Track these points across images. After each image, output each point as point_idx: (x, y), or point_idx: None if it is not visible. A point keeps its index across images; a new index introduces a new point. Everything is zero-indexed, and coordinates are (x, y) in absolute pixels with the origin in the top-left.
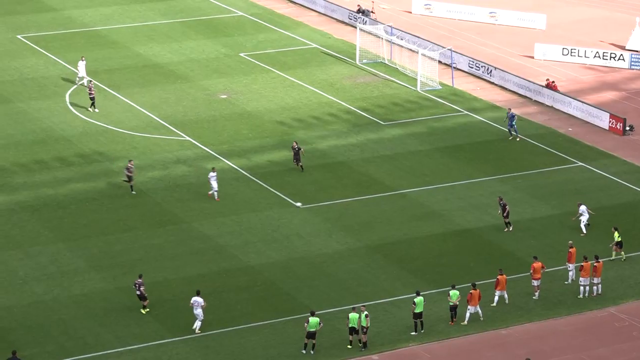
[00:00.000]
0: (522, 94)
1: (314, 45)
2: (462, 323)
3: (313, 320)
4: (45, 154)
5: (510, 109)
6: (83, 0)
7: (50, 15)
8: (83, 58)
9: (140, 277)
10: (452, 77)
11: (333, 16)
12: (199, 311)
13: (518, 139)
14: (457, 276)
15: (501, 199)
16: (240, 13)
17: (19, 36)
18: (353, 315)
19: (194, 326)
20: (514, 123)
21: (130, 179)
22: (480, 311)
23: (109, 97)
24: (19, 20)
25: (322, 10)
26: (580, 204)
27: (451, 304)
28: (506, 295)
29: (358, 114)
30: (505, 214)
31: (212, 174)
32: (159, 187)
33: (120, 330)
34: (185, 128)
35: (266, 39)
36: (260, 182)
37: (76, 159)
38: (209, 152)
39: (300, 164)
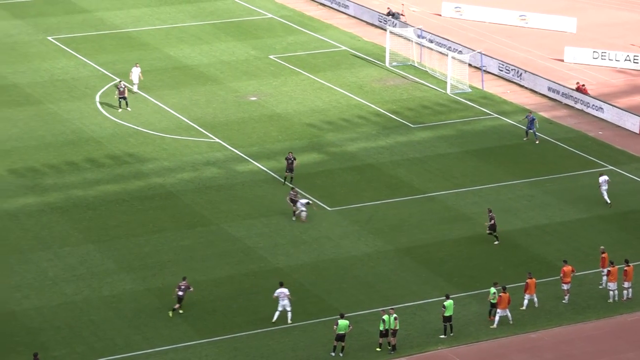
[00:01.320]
0: (552, 97)
1: (344, 48)
2: (491, 327)
3: (342, 322)
4: (75, 156)
5: (530, 113)
6: (114, 2)
7: (81, 16)
8: (137, 64)
9: (184, 279)
10: (482, 80)
11: (363, 19)
12: (285, 302)
13: (537, 142)
14: (486, 279)
15: (490, 211)
16: (270, 15)
17: (49, 38)
18: (387, 318)
19: (274, 318)
20: (533, 126)
21: (292, 170)
22: (509, 315)
23: (140, 98)
24: (50, 21)
25: (352, 13)
26: (602, 175)
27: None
28: (536, 299)
29: (387, 116)
30: (490, 225)
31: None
32: (189, 189)
33: (149, 332)
34: (215, 130)
35: (296, 41)
36: (290, 184)
37: (106, 160)
38: (238, 154)
39: (292, 174)
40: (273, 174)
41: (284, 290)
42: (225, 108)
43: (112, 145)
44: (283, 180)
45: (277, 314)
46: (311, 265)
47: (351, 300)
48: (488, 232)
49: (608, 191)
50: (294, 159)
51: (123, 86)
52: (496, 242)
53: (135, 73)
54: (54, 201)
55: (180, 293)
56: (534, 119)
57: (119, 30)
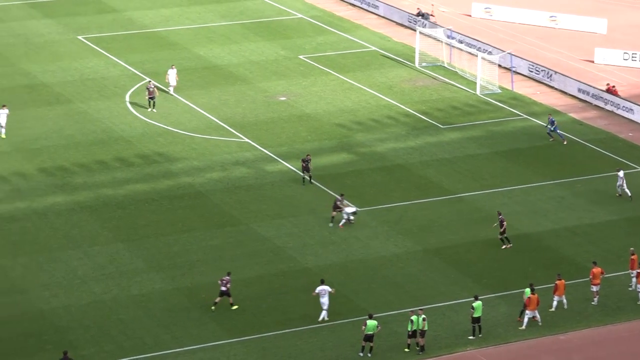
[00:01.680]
0: (582, 98)
1: (373, 48)
2: (520, 328)
3: (371, 323)
4: (105, 155)
5: (550, 115)
6: (144, 1)
7: (111, 16)
8: (173, 66)
9: (228, 274)
10: (512, 81)
11: (392, 19)
12: (325, 299)
13: (565, 142)
14: (515, 281)
15: (500, 214)
16: (300, 15)
17: (79, 37)
18: (415, 318)
19: (320, 317)
20: (554, 128)
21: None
22: (538, 316)
23: (169, 98)
24: (80, 21)
25: (381, 13)
26: (619, 170)
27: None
28: (565, 301)
29: (417, 117)
30: (502, 230)
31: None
32: (218, 189)
33: (178, 331)
34: (244, 130)
35: (325, 42)
36: (319, 184)
37: (136, 159)
38: (267, 154)
39: (310, 174)
40: (302, 174)
41: (325, 287)
42: (255, 108)
43: (142, 145)
44: (302, 181)
45: (323, 313)
46: (340, 265)
47: (380, 300)
48: (504, 236)
49: (628, 186)
50: (310, 160)
51: (152, 86)
52: (503, 247)
53: (172, 75)
54: (83, 200)
55: (223, 288)
56: (554, 121)
57: (148, 29)
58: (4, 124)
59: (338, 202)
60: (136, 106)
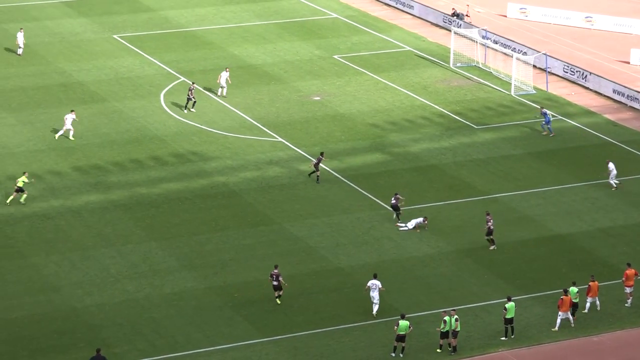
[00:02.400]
0: (617, 99)
1: (408, 48)
2: (552, 329)
3: (403, 323)
4: (139, 153)
5: (542, 107)
6: (179, 1)
7: (147, 15)
8: (227, 69)
9: (276, 267)
10: (547, 82)
11: (427, 19)
12: (375, 294)
13: (552, 135)
14: (548, 282)
15: (488, 214)
16: (335, 15)
17: (115, 36)
18: (448, 319)
19: (374, 311)
20: (547, 121)
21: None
22: (571, 317)
23: (203, 97)
24: (115, 20)
25: (416, 13)
26: (609, 162)
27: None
28: (598, 302)
29: (451, 117)
30: (487, 232)
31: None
32: (252, 188)
33: (210, 330)
34: (278, 129)
35: (360, 42)
36: (352, 184)
37: (170, 158)
38: (301, 153)
39: (318, 173)
40: (335, 174)
41: (376, 282)
42: (289, 107)
43: (176, 144)
44: (316, 179)
45: (374, 307)
46: (372, 265)
47: (412, 300)
48: (487, 238)
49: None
50: (321, 159)
51: (193, 88)
52: (491, 248)
53: (224, 77)
54: (117, 198)
55: (275, 283)
56: (546, 113)
57: (183, 29)
58: (70, 127)
59: (396, 200)
60: (171, 105)
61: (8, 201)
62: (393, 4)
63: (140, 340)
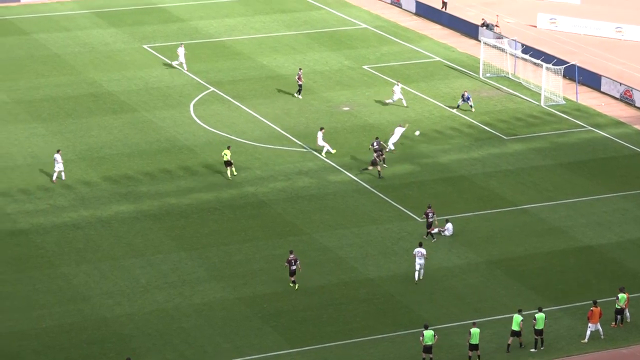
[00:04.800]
0: None
1: (437, 59)
2: (582, 341)
3: (427, 333)
4: (169, 163)
5: (466, 91)
6: (209, 11)
7: (177, 25)
8: (301, 69)
9: (291, 252)
10: (577, 92)
11: (457, 29)
12: (422, 261)
13: (473, 110)
14: (578, 293)
15: (429, 207)
16: (365, 25)
17: (145, 46)
18: (474, 331)
19: (417, 278)
20: (467, 99)
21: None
22: (600, 329)
23: (233, 107)
24: (145, 30)
25: (446, 24)
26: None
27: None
28: (628, 314)
29: (481, 128)
30: (427, 224)
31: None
32: (281, 198)
33: (239, 340)
34: (308, 139)
35: (389, 52)
36: (381, 195)
37: (200, 168)
38: (330, 164)
39: (379, 168)
40: (365, 185)
41: (421, 250)
42: (318, 118)
43: (206, 154)
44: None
45: (416, 274)
46: (402, 276)
47: (441, 311)
48: (428, 231)
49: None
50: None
51: (300, 73)
52: (433, 240)
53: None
54: (147, 209)
55: (294, 267)
56: (469, 97)
57: (213, 39)
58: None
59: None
60: (200, 115)
61: (230, 176)
62: (423, 14)
63: (170, 351)
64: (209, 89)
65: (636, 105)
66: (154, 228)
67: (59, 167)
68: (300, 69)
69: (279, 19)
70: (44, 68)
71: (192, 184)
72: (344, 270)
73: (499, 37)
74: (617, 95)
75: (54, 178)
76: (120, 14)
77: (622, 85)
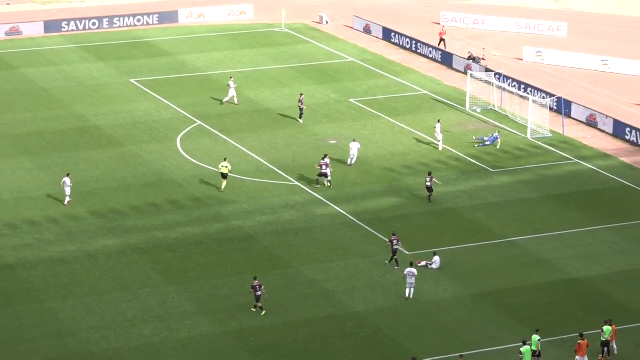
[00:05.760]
0: (635, 142)
1: (424, 92)
2: None
3: None
4: (156, 197)
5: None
6: (196, 45)
7: (164, 60)
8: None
9: (255, 278)
10: (563, 125)
11: (444, 63)
12: (412, 280)
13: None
14: (565, 326)
15: (394, 234)
16: (351, 59)
17: (132, 80)
18: None
19: (408, 295)
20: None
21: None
22: None
23: (220, 141)
24: (133, 64)
25: (432, 57)
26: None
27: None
28: (615, 346)
29: (467, 161)
30: (393, 252)
31: None
32: (268, 232)
33: None
34: (295, 173)
35: (376, 85)
36: (368, 228)
37: (187, 202)
38: (317, 197)
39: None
40: (352, 218)
41: (412, 270)
42: (305, 151)
43: (193, 188)
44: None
45: (407, 291)
46: (389, 309)
47: (428, 345)
48: (393, 257)
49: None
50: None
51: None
52: (396, 268)
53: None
54: (134, 242)
55: (259, 293)
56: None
57: (200, 73)
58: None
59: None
60: (187, 149)
61: (222, 188)
62: (409, 47)
63: None
64: (196, 122)
65: (598, 127)
66: (140, 262)
67: (68, 190)
68: (301, 94)
69: (266, 53)
70: (31, 102)
71: (179, 217)
72: (331, 303)
73: (486, 70)
74: (584, 120)
75: (66, 202)
76: (107, 48)
77: (587, 109)
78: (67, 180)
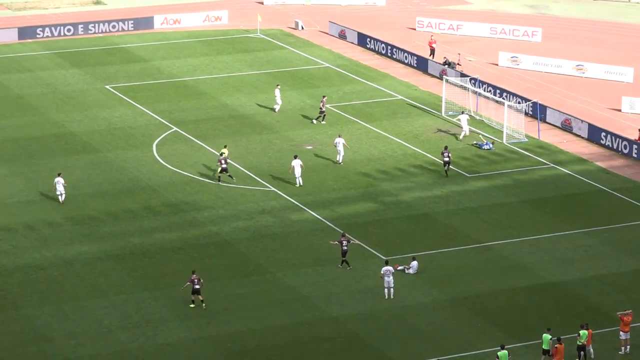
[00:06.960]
0: (609, 146)
1: (400, 97)
2: None
3: None
4: (132, 203)
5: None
6: (171, 51)
7: (139, 65)
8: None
9: (194, 272)
10: (539, 130)
11: (419, 68)
12: (390, 278)
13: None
14: (542, 330)
15: (343, 235)
16: (327, 65)
17: (107, 86)
18: None
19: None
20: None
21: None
22: None
23: (196, 147)
24: (108, 70)
25: (408, 62)
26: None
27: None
28: (592, 350)
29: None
30: (342, 253)
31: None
32: (244, 237)
33: None
34: (270, 178)
35: (352, 91)
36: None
37: (163, 208)
38: (294, 202)
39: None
40: (328, 223)
41: (389, 268)
42: (281, 157)
43: (169, 194)
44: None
45: (386, 291)
46: (366, 314)
47: (406, 349)
48: (343, 259)
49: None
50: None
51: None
52: (349, 268)
53: (464, 120)
54: (110, 249)
55: (197, 286)
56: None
57: (176, 79)
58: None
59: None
60: (163, 155)
61: (216, 175)
62: (384, 52)
63: None
64: (172, 128)
65: (573, 131)
66: (117, 268)
67: (60, 189)
68: (324, 96)
69: (242, 59)
70: (5, 109)
71: (155, 223)
72: (308, 309)
73: (462, 75)
74: (559, 125)
75: (61, 200)
76: (82, 54)
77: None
78: (59, 179)
